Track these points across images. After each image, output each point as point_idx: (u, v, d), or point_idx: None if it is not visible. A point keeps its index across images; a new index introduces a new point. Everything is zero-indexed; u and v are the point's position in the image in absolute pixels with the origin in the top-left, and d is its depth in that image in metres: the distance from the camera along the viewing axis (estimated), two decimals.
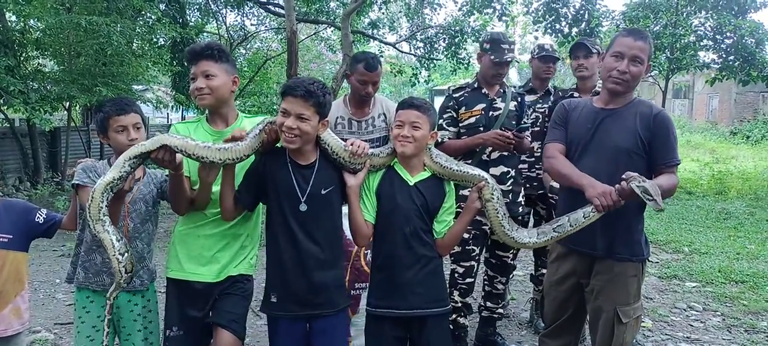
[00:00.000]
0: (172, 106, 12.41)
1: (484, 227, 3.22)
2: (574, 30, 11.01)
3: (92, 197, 2.05)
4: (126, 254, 2.13)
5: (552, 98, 3.81)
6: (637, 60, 2.35)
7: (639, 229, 2.44)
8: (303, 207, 2.20)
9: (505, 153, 3.24)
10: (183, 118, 13.56)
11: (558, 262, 2.58)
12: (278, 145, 2.26)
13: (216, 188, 2.29)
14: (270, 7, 13.63)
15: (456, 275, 3.30)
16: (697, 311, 4.41)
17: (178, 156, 2.14)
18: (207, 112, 2.44)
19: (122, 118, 2.30)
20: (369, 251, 2.80)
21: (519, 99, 3.40)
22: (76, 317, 2.40)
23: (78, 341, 2.37)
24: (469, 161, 3.19)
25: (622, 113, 2.40)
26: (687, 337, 3.90)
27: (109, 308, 2.20)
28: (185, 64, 2.43)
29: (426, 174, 2.35)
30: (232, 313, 2.36)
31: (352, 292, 3.03)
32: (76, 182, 2.30)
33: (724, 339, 3.88)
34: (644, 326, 3.93)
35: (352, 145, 2.25)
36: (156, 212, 2.50)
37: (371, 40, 14.32)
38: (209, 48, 2.34)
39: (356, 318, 3.02)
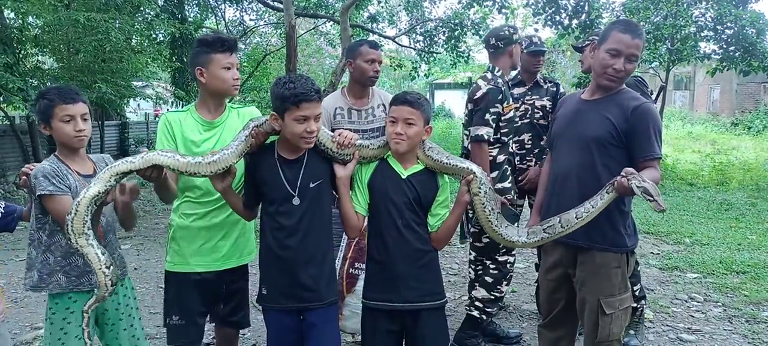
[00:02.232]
0: (172, 102, 12.41)
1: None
2: (574, 22, 10.97)
3: (76, 211, 1.98)
4: (111, 267, 2.08)
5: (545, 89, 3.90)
6: (632, 58, 2.32)
7: (620, 219, 2.40)
8: (296, 201, 2.20)
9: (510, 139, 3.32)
10: None
11: (547, 252, 2.61)
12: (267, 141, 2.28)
13: (207, 183, 2.34)
14: (269, 1, 13.60)
15: (508, 265, 3.34)
16: (698, 302, 4.40)
17: (164, 170, 2.14)
18: (197, 99, 2.52)
19: (69, 107, 2.18)
20: None
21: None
22: (56, 329, 2.24)
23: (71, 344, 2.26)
24: (503, 155, 3.23)
25: (602, 104, 2.39)
26: (688, 328, 3.90)
27: (86, 320, 2.12)
28: (210, 48, 2.38)
29: (419, 167, 2.34)
30: (243, 311, 2.62)
31: (350, 270, 3.05)
32: (43, 193, 2.13)
33: (725, 330, 3.88)
34: (645, 318, 3.93)
35: (339, 135, 2.26)
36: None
37: (370, 34, 14.29)
38: (237, 43, 2.48)
39: (350, 298, 3.00)
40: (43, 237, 2.25)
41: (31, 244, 2.27)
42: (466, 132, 3.28)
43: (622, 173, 2.17)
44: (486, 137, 3.09)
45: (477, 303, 3.35)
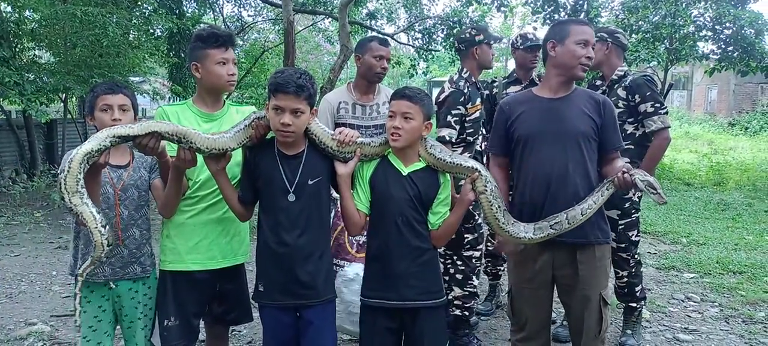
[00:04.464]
0: (169, 98, 12.35)
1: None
2: None
3: (69, 168, 1.96)
4: (107, 226, 2.06)
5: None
6: (593, 46, 2.46)
7: (604, 211, 2.48)
8: (291, 198, 2.19)
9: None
10: None
11: (531, 257, 2.47)
12: (267, 136, 2.26)
13: (203, 176, 2.35)
14: None
15: (474, 259, 3.35)
16: (695, 301, 4.40)
17: (162, 143, 2.15)
18: (195, 94, 2.52)
19: (109, 97, 2.27)
20: None
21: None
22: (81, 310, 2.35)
23: (83, 333, 2.37)
24: (469, 154, 3.24)
25: (573, 99, 2.44)
26: (685, 328, 3.90)
27: (80, 284, 2.12)
28: (205, 43, 2.38)
29: (420, 165, 2.32)
30: (240, 308, 2.60)
31: None
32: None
33: (721, 330, 3.87)
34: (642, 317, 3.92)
35: (339, 133, 2.24)
36: (148, 196, 2.46)
37: (369, 30, 14.26)
38: (233, 37, 2.47)
39: None
40: (73, 223, 2.32)
41: (73, 231, 2.37)
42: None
43: (623, 169, 2.25)
44: (448, 138, 3.12)
45: (456, 302, 3.36)
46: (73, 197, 1.98)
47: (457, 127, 3.18)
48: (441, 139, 3.12)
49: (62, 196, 1.99)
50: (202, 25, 13.64)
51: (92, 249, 2.23)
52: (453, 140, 3.16)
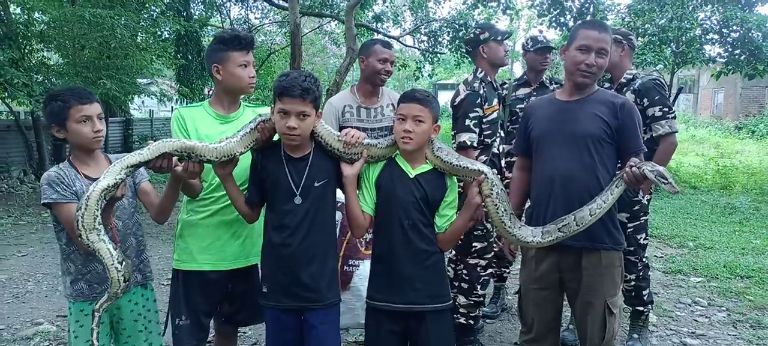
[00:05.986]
0: (177, 100, 12.41)
1: None
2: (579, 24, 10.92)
3: (86, 206, 1.94)
4: (124, 262, 2.06)
5: (552, 88, 3.82)
6: (602, 52, 2.37)
7: (615, 217, 2.44)
8: (297, 200, 2.20)
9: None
10: None
11: (537, 258, 2.47)
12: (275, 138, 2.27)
13: (217, 178, 2.34)
14: (274, 0, 13.61)
15: (479, 268, 3.32)
16: (702, 306, 4.38)
17: (174, 159, 2.14)
18: (212, 96, 2.54)
19: (86, 107, 2.15)
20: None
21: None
22: (70, 331, 2.28)
23: None
24: (485, 156, 3.22)
25: (588, 102, 2.41)
26: (692, 332, 3.88)
27: (97, 320, 2.08)
28: (227, 45, 2.40)
29: (427, 167, 2.31)
30: (250, 309, 2.57)
31: (345, 267, 3.05)
32: (47, 202, 2.13)
33: (729, 335, 3.85)
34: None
35: (346, 135, 2.24)
36: (136, 202, 2.41)
37: (375, 33, 14.29)
38: (254, 41, 2.49)
39: (345, 295, 3.01)
40: (62, 245, 2.25)
41: (60, 252, 2.29)
42: (453, 133, 3.28)
43: (630, 164, 2.22)
44: (469, 143, 3.08)
45: (461, 310, 3.33)
46: (90, 234, 1.97)
47: (476, 129, 3.12)
48: (463, 145, 3.08)
49: (79, 233, 1.97)
50: (209, 27, 13.72)
51: (94, 268, 2.22)
52: (475, 144, 3.11)
